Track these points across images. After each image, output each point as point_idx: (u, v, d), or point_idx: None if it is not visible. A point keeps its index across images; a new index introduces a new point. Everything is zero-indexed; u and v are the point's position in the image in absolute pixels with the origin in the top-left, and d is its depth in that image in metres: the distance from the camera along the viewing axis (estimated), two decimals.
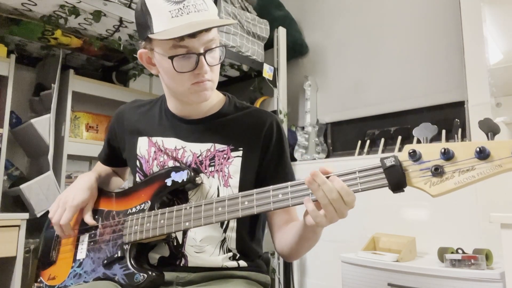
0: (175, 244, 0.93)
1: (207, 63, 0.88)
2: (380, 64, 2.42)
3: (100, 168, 1.18)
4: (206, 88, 0.90)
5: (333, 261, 1.90)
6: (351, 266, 1.76)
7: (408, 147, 0.69)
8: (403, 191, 0.69)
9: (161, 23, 0.84)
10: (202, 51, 0.87)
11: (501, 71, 1.75)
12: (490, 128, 0.66)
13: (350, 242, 2.09)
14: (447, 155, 0.65)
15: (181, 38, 0.83)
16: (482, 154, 0.63)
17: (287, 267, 2.39)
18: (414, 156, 0.68)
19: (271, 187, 0.78)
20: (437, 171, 0.65)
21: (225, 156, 0.95)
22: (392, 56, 2.38)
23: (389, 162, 0.69)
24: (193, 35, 0.84)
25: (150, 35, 0.86)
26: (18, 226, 1.73)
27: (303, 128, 2.70)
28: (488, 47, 1.79)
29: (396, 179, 0.68)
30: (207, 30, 0.86)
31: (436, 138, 2.04)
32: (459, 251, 1.54)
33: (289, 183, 0.76)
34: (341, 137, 2.65)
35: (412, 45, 2.30)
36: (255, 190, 0.79)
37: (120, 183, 1.22)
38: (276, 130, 0.98)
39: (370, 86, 2.46)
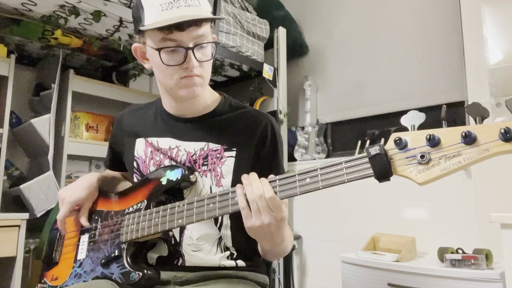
0: (172, 242, 0.94)
1: (196, 59, 0.88)
2: (380, 64, 2.42)
3: (108, 171, 1.19)
4: (194, 83, 0.90)
5: (333, 261, 1.90)
6: (351, 266, 1.76)
7: (394, 135, 0.68)
8: (389, 180, 0.67)
9: (152, 16, 0.85)
10: (191, 45, 0.87)
11: (501, 71, 1.75)
12: (478, 112, 0.64)
13: (350, 242, 2.09)
14: (433, 142, 0.63)
15: (170, 31, 0.84)
16: (468, 139, 0.60)
17: (287, 267, 2.39)
18: (400, 144, 0.66)
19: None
20: (423, 158, 0.64)
21: (218, 155, 0.95)
22: (392, 56, 2.37)
23: (373, 151, 0.67)
24: (181, 29, 0.85)
25: (140, 27, 0.87)
26: (18, 226, 1.73)
27: (303, 128, 2.70)
28: (488, 47, 1.79)
29: (381, 168, 0.66)
30: (197, 24, 0.86)
31: None
32: (459, 251, 1.54)
33: (277, 176, 0.77)
34: (341, 137, 2.65)
35: (412, 45, 2.30)
36: None
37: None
38: (271, 132, 0.98)
39: (370, 86, 2.46)
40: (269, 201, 0.74)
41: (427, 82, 2.21)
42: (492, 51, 1.80)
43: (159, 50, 0.86)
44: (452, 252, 1.55)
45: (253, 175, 0.78)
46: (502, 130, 0.58)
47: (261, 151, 0.96)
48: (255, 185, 0.75)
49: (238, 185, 0.78)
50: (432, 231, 1.89)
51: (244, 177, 0.78)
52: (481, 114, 0.64)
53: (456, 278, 1.44)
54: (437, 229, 1.88)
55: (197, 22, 0.86)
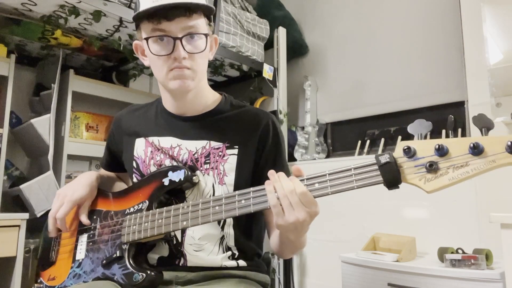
0: (174, 242, 0.94)
1: (186, 50, 0.87)
2: (380, 64, 2.42)
3: (103, 172, 1.19)
4: (184, 75, 0.89)
5: (333, 261, 1.90)
6: (351, 266, 1.76)
7: (402, 144, 0.69)
8: (398, 187, 0.69)
9: (144, 5, 0.86)
10: (180, 36, 0.87)
11: (501, 71, 1.75)
12: (484, 124, 0.66)
13: (350, 242, 2.09)
14: (441, 151, 0.65)
15: (158, 21, 0.85)
16: (476, 150, 0.63)
17: (287, 267, 2.39)
18: (409, 152, 0.68)
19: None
20: (432, 167, 0.65)
21: (220, 153, 0.95)
22: (392, 56, 2.37)
23: (384, 159, 0.69)
24: (169, 18, 0.85)
25: (132, 17, 0.89)
26: (18, 226, 1.73)
27: (303, 128, 2.70)
28: (488, 47, 1.79)
29: (391, 176, 0.68)
30: (186, 15, 0.86)
31: (434, 137, 2.04)
32: (459, 251, 1.54)
33: None
34: (341, 137, 2.65)
35: (412, 45, 2.30)
36: (251, 188, 0.79)
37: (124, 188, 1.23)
38: (273, 129, 0.98)
39: (370, 86, 2.46)
40: (301, 196, 0.72)
41: (427, 82, 2.21)
42: (492, 51, 1.80)
43: (146, 39, 0.87)
44: (452, 252, 1.55)
45: (280, 173, 0.76)
46: (509, 143, 0.61)
47: (263, 148, 0.96)
48: (284, 181, 0.74)
49: (267, 182, 0.76)
50: (432, 231, 1.89)
51: (271, 173, 0.76)
52: (486, 125, 0.66)
53: (456, 278, 1.44)
54: (437, 229, 1.88)
55: (186, 13, 0.86)
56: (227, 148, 0.95)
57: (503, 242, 1.18)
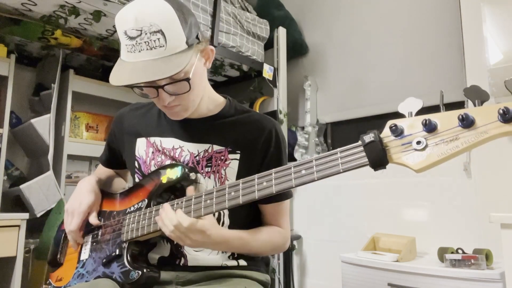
0: (175, 242, 0.94)
1: (170, 94, 0.86)
2: (380, 64, 2.42)
3: (100, 171, 1.19)
4: (176, 113, 0.91)
5: (333, 261, 1.90)
6: (351, 266, 1.76)
7: (390, 122, 0.65)
8: (385, 168, 0.64)
9: (123, 52, 0.87)
10: (162, 84, 0.84)
11: (501, 71, 1.75)
12: (477, 95, 0.60)
13: (350, 242, 2.09)
14: (429, 127, 0.61)
15: None
16: (465, 122, 0.58)
17: (287, 267, 2.39)
18: (396, 131, 0.63)
19: (256, 175, 0.77)
20: (419, 145, 0.61)
21: (222, 157, 0.95)
22: (392, 56, 2.37)
23: (368, 138, 0.65)
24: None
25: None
26: (18, 226, 1.73)
27: (303, 128, 2.70)
28: (488, 47, 1.79)
29: (376, 156, 0.63)
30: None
31: None
32: (459, 251, 1.54)
33: (272, 170, 0.75)
34: (341, 137, 2.65)
35: (412, 45, 2.30)
36: (240, 180, 0.79)
37: (123, 184, 1.22)
38: (275, 137, 0.98)
39: (370, 86, 2.46)
40: (186, 230, 0.80)
41: (427, 82, 2.21)
42: (492, 51, 1.80)
43: (131, 87, 0.86)
44: (452, 252, 1.55)
45: (165, 207, 0.84)
46: (501, 111, 0.55)
47: (265, 155, 0.96)
48: (169, 216, 0.82)
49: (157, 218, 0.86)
50: (432, 231, 1.89)
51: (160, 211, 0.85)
52: (480, 97, 0.60)
53: (456, 278, 1.44)
54: (437, 229, 1.88)
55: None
56: (230, 152, 0.95)
57: (503, 242, 1.18)
